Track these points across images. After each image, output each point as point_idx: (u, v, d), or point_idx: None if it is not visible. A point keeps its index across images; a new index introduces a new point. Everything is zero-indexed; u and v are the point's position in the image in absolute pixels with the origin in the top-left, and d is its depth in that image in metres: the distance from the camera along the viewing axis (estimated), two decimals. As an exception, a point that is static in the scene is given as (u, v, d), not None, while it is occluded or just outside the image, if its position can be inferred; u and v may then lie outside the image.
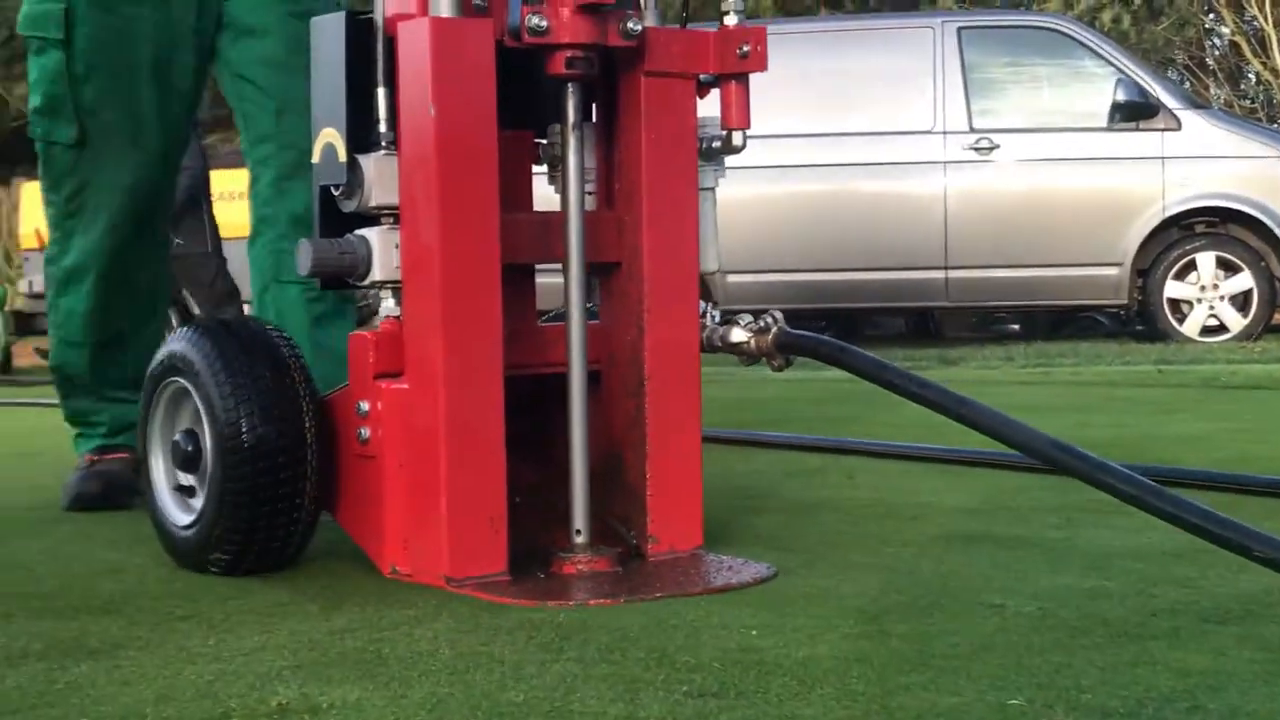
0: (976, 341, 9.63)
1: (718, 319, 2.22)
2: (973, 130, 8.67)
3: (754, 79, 2.15)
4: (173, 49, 2.75)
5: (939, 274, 8.68)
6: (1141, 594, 1.87)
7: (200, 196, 8.11)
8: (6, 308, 10.10)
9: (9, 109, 17.04)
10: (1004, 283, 8.69)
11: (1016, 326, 11.16)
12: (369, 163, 2.01)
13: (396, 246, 2.01)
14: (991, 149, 8.63)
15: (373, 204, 2.02)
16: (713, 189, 2.22)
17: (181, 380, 2.12)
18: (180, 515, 2.17)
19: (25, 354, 10.29)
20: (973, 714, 1.38)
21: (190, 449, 2.12)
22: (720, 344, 2.19)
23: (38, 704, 1.47)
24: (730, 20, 2.12)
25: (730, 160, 2.23)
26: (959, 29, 8.90)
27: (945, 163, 8.64)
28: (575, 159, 2.05)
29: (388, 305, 2.04)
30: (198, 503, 2.13)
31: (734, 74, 2.14)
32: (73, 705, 1.46)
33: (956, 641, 1.64)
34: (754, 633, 1.69)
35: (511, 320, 2.03)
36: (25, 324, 10.57)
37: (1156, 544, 2.18)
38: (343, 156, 2.03)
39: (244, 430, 2.02)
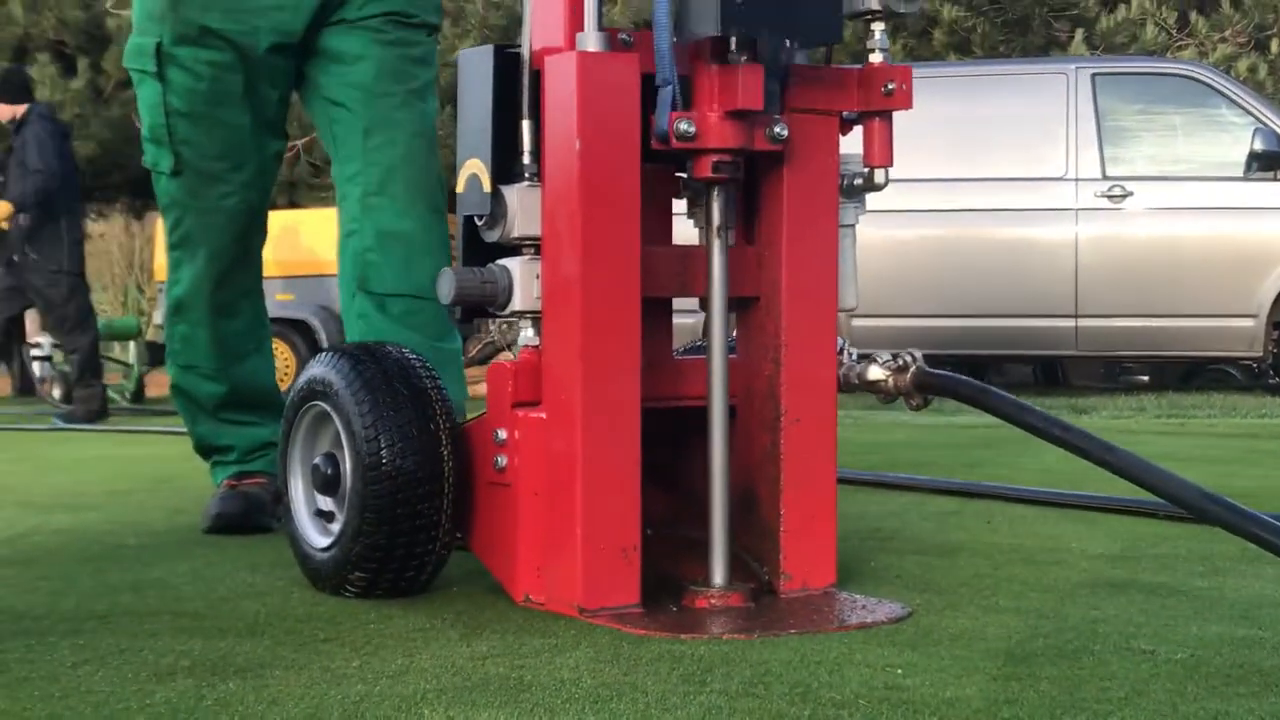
0: (1106, 391, 9.45)
1: (855, 356, 2.20)
2: (1106, 177, 8.54)
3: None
4: (257, 79, 2.82)
5: (1069, 322, 8.54)
6: (1297, 645, 1.82)
7: (57, 205, 7.84)
8: (141, 338, 10.35)
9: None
10: (1135, 332, 8.53)
11: (1145, 378, 10.95)
12: (513, 194, 2.03)
13: (538, 277, 2.03)
14: (1124, 196, 8.49)
15: (515, 235, 2.03)
16: (853, 226, 2.21)
17: (322, 404, 2.15)
18: (319, 538, 2.20)
19: (158, 384, 10.53)
20: (1129, 759, 1.34)
21: (330, 472, 2.14)
22: (858, 381, 2.17)
23: (188, 719, 1.49)
24: (875, 58, 2.12)
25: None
26: (1093, 75, 8.78)
27: (1077, 210, 8.52)
28: (720, 260, 2.04)
29: (527, 335, 2.05)
30: (336, 526, 2.15)
31: (878, 111, 2.12)
32: (221, 721, 1.48)
33: (1108, 686, 1.60)
34: (899, 671, 1.67)
35: (648, 353, 2.02)
36: (159, 354, 10.81)
37: (1309, 594, 2.12)
38: (487, 187, 2.05)
39: (384, 453, 2.04)
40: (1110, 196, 8.51)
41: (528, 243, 2.03)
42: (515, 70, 2.03)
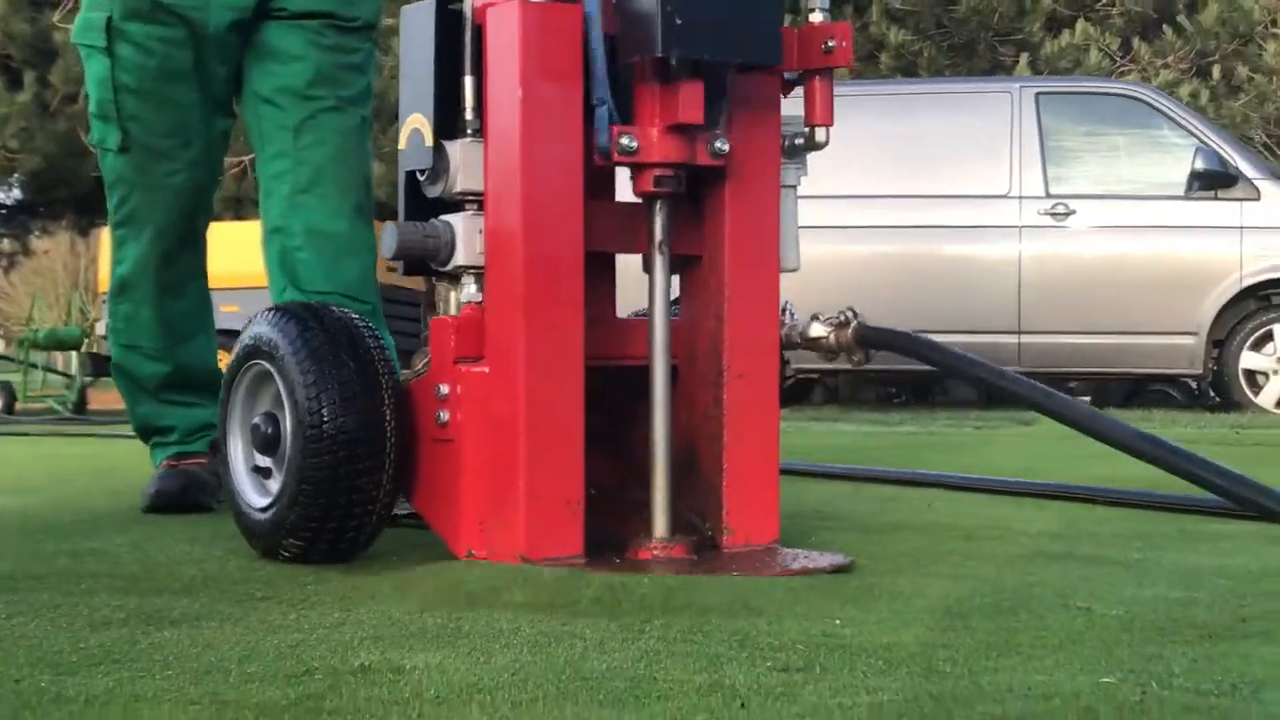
0: (1049, 409, 9.52)
1: (796, 315, 2.21)
2: (1049, 195, 8.62)
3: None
4: (207, 56, 2.80)
5: (1011, 339, 8.60)
6: (1230, 604, 1.83)
7: None
8: (85, 350, 10.25)
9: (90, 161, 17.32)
10: (1077, 349, 8.60)
11: (1088, 399, 11.04)
12: (455, 149, 2.03)
13: (480, 232, 2.02)
14: (1067, 215, 8.58)
15: (458, 189, 2.03)
16: (794, 187, 2.21)
17: (264, 363, 2.13)
18: (257, 498, 2.17)
19: (100, 398, 10.42)
20: (1065, 690, 1.35)
21: (270, 431, 2.12)
22: (799, 339, 2.17)
23: (121, 660, 1.47)
24: (815, 18, 2.12)
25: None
26: (1037, 94, 8.86)
27: (1020, 227, 8.59)
28: (662, 278, 2.04)
29: (469, 291, 2.05)
30: (274, 484, 2.13)
31: (818, 70, 2.13)
32: (156, 661, 1.46)
33: (1043, 635, 1.61)
34: (837, 621, 1.67)
35: (591, 310, 2.02)
36: (102, 366, 10.70)
37: (1244, 565, 2.14)
38: (429, 142, 2.04)
39: (325, 416, 2.02)
40: (1053, 214, 8.59)
41: (470, 198, 2.03)
42: (458, 25, 2.03)
